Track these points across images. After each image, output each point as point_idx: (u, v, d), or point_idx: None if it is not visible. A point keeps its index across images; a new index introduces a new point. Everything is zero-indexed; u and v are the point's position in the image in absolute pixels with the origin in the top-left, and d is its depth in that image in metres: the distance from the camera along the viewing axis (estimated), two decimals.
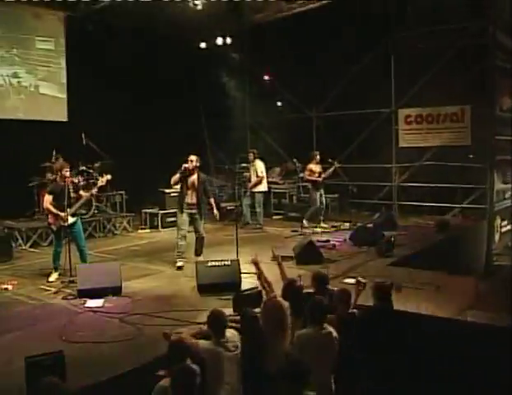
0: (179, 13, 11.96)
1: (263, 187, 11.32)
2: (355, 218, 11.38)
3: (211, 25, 13.63)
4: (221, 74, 15.08)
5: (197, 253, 8.04)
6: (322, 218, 11.20)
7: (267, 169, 13.67)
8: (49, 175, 10.22)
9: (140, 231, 11.21)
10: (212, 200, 8.12)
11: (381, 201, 12.95)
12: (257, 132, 15.20)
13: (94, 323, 5.43)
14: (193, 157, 7.91)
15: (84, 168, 10.68)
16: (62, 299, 6.28)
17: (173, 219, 11.11)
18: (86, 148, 10.84)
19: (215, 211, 8.07)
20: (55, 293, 6.51)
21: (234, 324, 4.86)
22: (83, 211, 10.28)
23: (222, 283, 6.33)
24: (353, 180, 12.89)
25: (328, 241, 9.34)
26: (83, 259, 7.26)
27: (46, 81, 11.90)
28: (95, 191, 7.59)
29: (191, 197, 7.93)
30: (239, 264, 6.61)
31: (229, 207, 12.65)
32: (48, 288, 6.74)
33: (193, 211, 7.92)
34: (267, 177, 13.19)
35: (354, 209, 13.08)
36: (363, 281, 5.50)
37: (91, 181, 10.70)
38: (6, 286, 6.77)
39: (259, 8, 13.05)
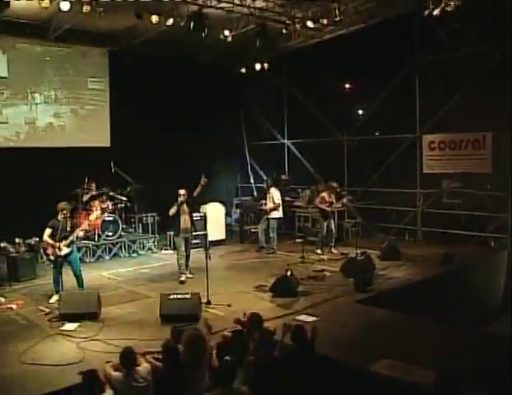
0: (215, 43, 12.75)
1: (278, 214, 11.75)
2: (375, 244, 11.51)
3: (246, 53, 14.38)
4: (260, 97, 15.71)
5: (186, 266, 9.48)
6: (333, 244, 11.43)
7: (301, 191, 14.22)
8: (85, 198, 11.44)
9: (163, 252, 12.10)
10: None
11: (407, 226, 12.90)
12: (293, 153, 15.67)
13: (54, 346, 6.29)
14: (182, 191, 9.31)
15: (113, 193, 11.78)
16: (48, 321, 7.24)
17: (194, 241, 12.07)
18: (116, 175, 11.95)
19: None
20: (46, 314, 7.50)
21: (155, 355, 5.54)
22: (110, 233, 11.50)
23: (183, 314, 6.94)
24: (380, 204, 13.12)
25: (322, 271, 9.63)
26: (79, 284, 8.23)
27: (89, 119, 13.06)
28: (85, 227, 8.51)
29: (185, 223, 9.37)
30: (199, 297, 7.19)
31: (253, 230, 13.26)
32: (44, 309, 7.73)
33: (187, 234, 9.50)
34: (294, 200, 13.75)
35: (381, 233, 13.24)
36: (292, 323, 5.88)
37: (120, 205, 11.88)
38: (11, 306, 7.89)
39: (290, 36, 13.64)
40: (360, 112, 14.62)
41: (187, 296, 7.12)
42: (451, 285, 8.71)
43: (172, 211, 9.37)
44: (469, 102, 11.43)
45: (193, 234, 10.43)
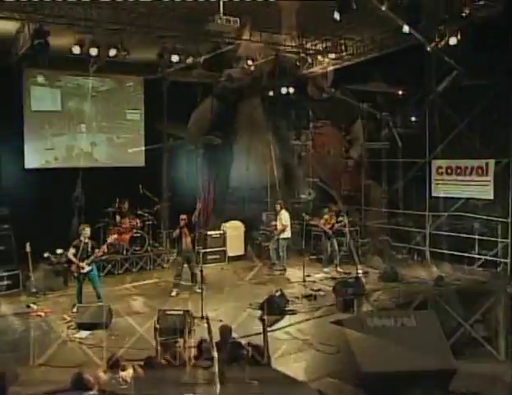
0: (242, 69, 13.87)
1: (287, 234, 12.65)
2: (383, 263, 12.18)
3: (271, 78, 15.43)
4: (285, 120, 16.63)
5: (192, 282, 10.83)
6: (337, 263, 12.21)
7: (305, 214, 14.91)
8: (118, 218, 12.85)
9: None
10: None
11: (415, 246, 13.41)
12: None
13: (64, 350, 7.58)
14: (184, 216, 10.71)
15: (141, 212, 13.10)
16: (67, 328, 8.57)
17: (213, 256, 13.25)
18: (145, 195, 13.26)
19: None
20: (66, 322, 8.84)
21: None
22: (137, 248, 12.85)
23: (174, 328, 7.96)
24: (392, 224, 13.77)
25: (319, 290, 10.45)
26: (98, 297, 9.51)
27: (125, 147, 14.30)
28: (105, 249, 9.77)
29: (186, 244, 10.77)
30: (187, 315, 8.20)
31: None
32: (66, 317, 9.07)
33: (188, 254, 10.92)
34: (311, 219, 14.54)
35: (394, 251, 13.82)
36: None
37: (148, 223, 13.17)
38: (40, 313, 9.30)
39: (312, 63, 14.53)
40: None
41: (180, 312, 8.18)
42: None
43: (176, 232, 10.83)
44: (477, 129, 11.90)
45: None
